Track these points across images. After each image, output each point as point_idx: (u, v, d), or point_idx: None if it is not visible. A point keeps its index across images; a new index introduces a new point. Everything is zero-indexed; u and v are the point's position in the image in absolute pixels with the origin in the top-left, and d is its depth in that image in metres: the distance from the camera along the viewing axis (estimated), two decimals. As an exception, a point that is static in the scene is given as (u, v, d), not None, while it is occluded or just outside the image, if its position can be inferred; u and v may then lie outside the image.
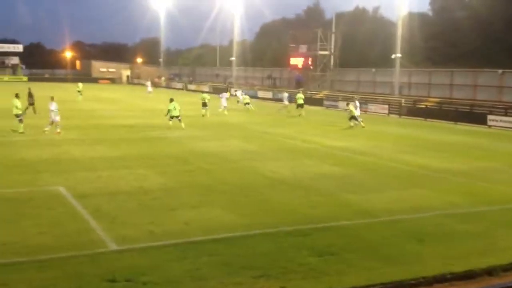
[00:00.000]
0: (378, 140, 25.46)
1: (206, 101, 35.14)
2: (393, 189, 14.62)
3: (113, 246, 9.09)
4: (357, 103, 32.75)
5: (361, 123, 30.48)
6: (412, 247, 9.55)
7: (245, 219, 11.05)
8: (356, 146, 22.94)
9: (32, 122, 26.43)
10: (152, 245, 9.23)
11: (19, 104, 24.09)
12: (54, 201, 12.10)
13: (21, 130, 23.28)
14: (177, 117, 27.01)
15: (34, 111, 31.77)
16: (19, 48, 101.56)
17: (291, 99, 42.26)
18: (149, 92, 60.68)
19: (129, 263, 8.32)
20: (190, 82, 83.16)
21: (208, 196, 12.99)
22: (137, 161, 17.68)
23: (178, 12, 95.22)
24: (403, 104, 43.28)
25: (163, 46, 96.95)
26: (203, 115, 34.23)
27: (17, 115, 23.70)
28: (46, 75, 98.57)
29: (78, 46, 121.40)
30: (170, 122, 26.96)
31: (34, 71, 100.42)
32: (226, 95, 40.85)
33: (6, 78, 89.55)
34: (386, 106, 43.79)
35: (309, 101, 41.36)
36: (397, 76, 47.61)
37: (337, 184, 14.88)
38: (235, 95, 47.05)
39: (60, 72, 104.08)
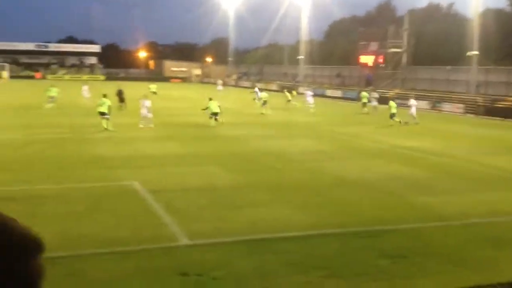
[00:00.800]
0: (453, 140, 24.54)
1: (264, 99, 35.78)
2: (468, 192, 14.04)
3: (184, 241, 9.36)
4: (413, 101, 31.98)
5: (397, 120, 29.69)
6: (487, 252, 9.14)
7: (313, 218, 11.01)
8: (428, 146, 22.22)
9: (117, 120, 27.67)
10: (221, 241, 9.41)
11: (107, 102, 25.05)
12: (128, 196, 12.61)
13: (109, 128, 24.29)
14: (216, 114, 27.45)
15: (122, 108, 33.21)
16: (96, 48, 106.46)
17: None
18: (219, 91, 61.66)
19: (200, 258, 8.53)
20: (258, 81, 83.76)
21: (276, 195, 13.06)
22: (207, 158, 18.06)
23: (246, 12, 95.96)
24: (480, 103, 41.41)
25: (232, 45, 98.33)
26: (262, 113, 34.51)
27: (102, 113, 24.63)
28: (121, 74, 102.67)
29: (151, 46, 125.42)
30: (212, 120, 27.39)
31: (110, 70, 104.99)
32: (310, 93, 41.49)
33: (85, 77, 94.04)
34: (462, 105, 42.08)
35: (379, 99, 40.46)
36: (474, 74, 45.61)
37: (408, 185, 14.48)
38: (255, 92, 45.06)
39: (134, 71, 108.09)
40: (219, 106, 27.80)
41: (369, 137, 24.94)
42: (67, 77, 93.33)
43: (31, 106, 35.64)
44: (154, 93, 46.70)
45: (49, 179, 14.04)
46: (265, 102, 35.81)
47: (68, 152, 18.50)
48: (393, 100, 32.43)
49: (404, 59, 61.67)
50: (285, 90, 47.02)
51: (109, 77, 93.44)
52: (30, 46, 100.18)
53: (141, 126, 25.72)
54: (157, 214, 11.05)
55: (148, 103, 26.23)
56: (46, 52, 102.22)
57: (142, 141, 21.66)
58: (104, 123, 24.38)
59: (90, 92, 39.99)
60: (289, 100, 41.57)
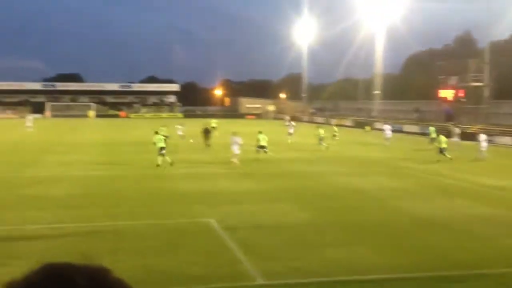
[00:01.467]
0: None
1: (322, 135, 35.67)
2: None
3: (260, 280, 9.35)
4: (483, 137, 30.90)
5: (448, 156, 28.77)
6: None
7: (394, 260, 10.65)
8: (515, 185, 20.97)
9: (198, 156, 28.59)
10: (297, 282, 9.32)
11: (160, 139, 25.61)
12: (205, 233, 12.84)
13: (168, 161, 25.01)
14: (263, 147, 28.47)
15: (207, 145, 34.23)
16: (175, 87, 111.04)
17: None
18: (287, 126, 61.33)
19: (276, 299, 8.48)
20: (333, 116, 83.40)
21: (354, 235, 12.79)
22: (282, 195, 18.08)
23: (320, 47, 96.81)
24: None
25: (305, 80, 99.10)
26: (326, 148, 34.33)
27: (162, 148, 25.15)
28: (198, 112, 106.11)
29: (226, 84, 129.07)
30: (260, 153, 28.40)
31: (188, 108, 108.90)
32: (389, 127, 41.18)
33: (164, 115, 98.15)
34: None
35: (461, 135, 38.98)
36: None
37: (495, 228, 13.68)
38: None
39: (210, 108, 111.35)
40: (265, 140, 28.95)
41: (449, 174, 23.94)
42: (148, 115, 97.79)
43: (116, 143, 37.48)
44: (214, 128, 47.14)
45: (131, 215, 14.62)
46: (321, 139, 35.67)
47: (149, 188, 19.20)
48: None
49: (486, 93, 59.26)
50: (365, 127, 47.08)
51: (187, 115, 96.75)
52: (115, 86, 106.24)
53: (234, 160, 26.47)
54: (233, 252, 11.15)
55: (238, 139, 27.18)
56: (129, 92, 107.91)
57: (218, 178, 22.08)
58: (159, 160, 24.81)
59: (182, 131, 40.97)
60: (334, 135, 40.86)
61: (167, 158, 25.07)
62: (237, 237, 12.30)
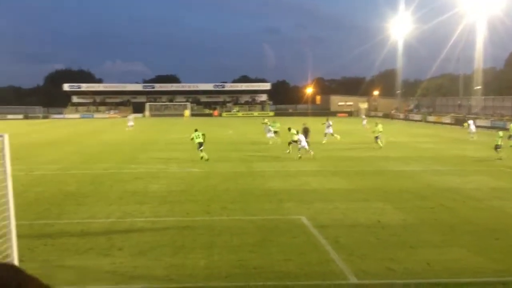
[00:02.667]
0: None
1: (379, 132, 34.08)
2: None
3: (353, 279, 9.20)
4: None
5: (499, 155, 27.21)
6: None
7: (496, 264, 10.02)
8: None
9: (287, 154, 28.81)
10: (392, 283, 9.04)
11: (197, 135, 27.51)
12: (297, 230, 12.84)
13: (205, 157, 26.79)
14: (296, 141, 28.71)
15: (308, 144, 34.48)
16: (267, 86, 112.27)
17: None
18: (363, 126, 59.00)
19: (369, 299, 8.29)
20: (430, 114, 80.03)
21: (451, 236, 12.19)
22: (373, 194, 17.65)
23: (416, 41, 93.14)
24: None
25: (400, 77, 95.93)
26: (380, 147, 33.08)
27: (201, 144, 27.23)
28: (290, 110, 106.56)
29: (318, 82, 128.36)
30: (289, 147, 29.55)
31: (279, 106, 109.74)
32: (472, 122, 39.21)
33: (255, 113, 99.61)
34: None
35: None
36: None
37: None
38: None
39: (301, 107, 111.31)
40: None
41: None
42: (239, 114, 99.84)
43: (209, 142, 38.57)
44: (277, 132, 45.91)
45: (224, 211, 14.99)
46: (378, 136, 33.99)
47: (241, 185, 19.57)
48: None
49: None
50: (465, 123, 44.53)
51: (278, 113, 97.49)
52: (209, 86, 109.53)
53: (307, 155, 27.85)
54: (325, 250, 11.05)
55: (302, 137, 28.56)
56: (222, 92, 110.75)
57: (308, 175, 22.00)
58: (201, 154, 26.85)
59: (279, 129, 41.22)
60: (375, 134, 37.73)
61: (204, 155, 26.83)
62: (328, 235, 12.18)
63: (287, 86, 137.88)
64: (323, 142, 36.31)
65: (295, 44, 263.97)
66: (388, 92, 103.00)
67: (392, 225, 13.27)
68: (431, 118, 75.95)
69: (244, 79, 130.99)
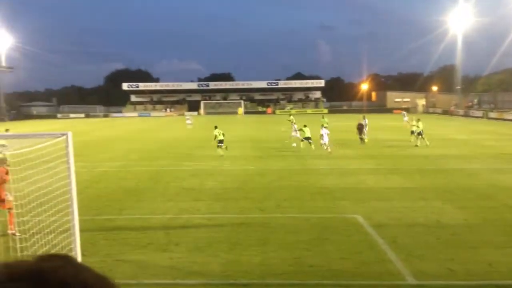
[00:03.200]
0: None
1: (416, 129, 32.76)
2: None
3: (411, 280, 8.98)
4: None
5: None
6: None
7: None
8: None
9: (343, 152, 28.57)
10: (452, 284, 8.76)
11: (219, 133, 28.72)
12: (352, 229, 12.66)
13: (222, 153, 27.80)
14: (308, 138, 29.92)
15: (362, 142, 34.01)
16: (321, 83, 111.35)
17: None
18: (405, 121, 56.66)
19: (428, 300, 8.07)
20: (491, 110, 76.89)
21: (515, 237, 11.67)
22: (432, 193, 17.15)
23: (478, 35, 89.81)
24: None
25: (460, 72, 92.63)
26: (416, 145, 31.89)
27: (221, 141, 28.42)
28: (344, 107, 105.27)
29: (373, 78, 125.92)
30: (303, 144, 30.42)
31: (333, 103, 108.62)
32: None
33: (309, 110, 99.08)
34: None
35: None
36: None
37: None
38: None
39: (356, 104, 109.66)
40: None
41: None
42: (293, 111, 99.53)
43: (263, 139, 38.78)
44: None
45: (278, 208, 14.99)
46: (419, 133, 32.42)
47: (295, 182, 19.52)
48: None
49: None
50: None
51: (332, 110, 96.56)
52: (262, 84, 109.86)
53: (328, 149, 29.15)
54: (381, 250, 10.84)
55: (326, 131, 30.23)
56: (276, 89, 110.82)
57: (364, 173, 21.63)
58: (220, 151, 27.94)
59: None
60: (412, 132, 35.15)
61: (220, 151, 27.99)
62: (385, 234, 11.94)
63: (341, 83, 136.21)
64: (366, 141, 35.07)
65: (350, 40, 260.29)
66: (447, 87, 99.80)
67: (452, 224, 12.85)
68: (492, 115, 72.90)
69: (298, 76, 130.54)
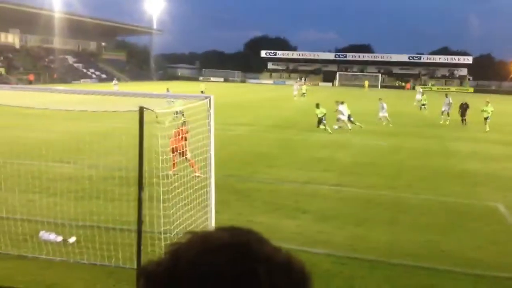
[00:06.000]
0: None
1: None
2: None
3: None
4: None
5: None
6: None
7: None
8: None
9: (485, 136, 26.68)
10: None
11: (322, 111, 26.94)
12: (491, 218, 11.80)
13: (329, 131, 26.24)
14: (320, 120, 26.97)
15: (463, 123, 31.87)
16: (468, 60, 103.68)
17: None
18: None
19: None
20: None
21: None
22: None
23: None
24: None
25: None
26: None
27: (320, 119, 26.89)
28: (493, 87, 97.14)
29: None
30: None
31: (480, 82, 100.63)
32: None
33: (453, 88, 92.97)
34: None
35: None
36: None
37: None
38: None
39: (507, 84, 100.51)
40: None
41: None
42: (434, 88, 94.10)
43: (397, 114, 37.27)
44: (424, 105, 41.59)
45: (410, 188, 14.43)
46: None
47: (431, 163, 18.61)
48: None
49: None
50: None
51: (478, 90, 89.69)
52: (403, 57, 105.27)
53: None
54: (524, 243, 9.98)
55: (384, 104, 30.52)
56: (417, 64, 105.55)
57: (509, 160, 19.92)
58: (329, 129, 26.43)
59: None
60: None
61: (321, 126, 26.76)
62: (530, 227, 10.96)
63: (491, 61, 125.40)
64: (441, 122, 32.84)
65: (507, 14, 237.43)
66: None
67: None
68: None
69: (443, 50, 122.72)
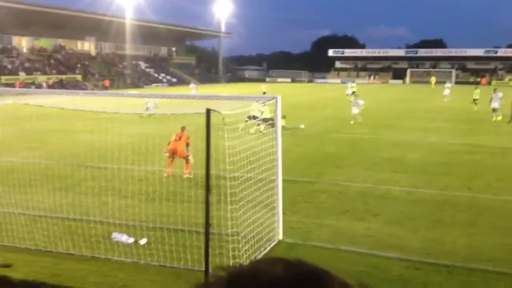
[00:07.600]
0: None
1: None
2: None
3: None
4: None
5: None
6: None
7: None
8: None
9: None
10: None
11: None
12: None
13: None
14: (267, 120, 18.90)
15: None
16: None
17: None
18: None
19: None
20: None
21: None
22: None
23: None
24: None
25: None
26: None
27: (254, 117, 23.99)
28: None
29: None
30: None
31: None
32: None
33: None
34: None
35: None
36: None
37: None
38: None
39: None
40: None
41: None
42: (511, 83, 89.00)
43: (472, 111, 35.57)
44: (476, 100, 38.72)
45: (489, 189, 13.66)
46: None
47: (510, 162, 17.57)
48: None
49: None
50: None
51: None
52: (479, 52, 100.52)
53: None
54: None
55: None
56: (494, 58, 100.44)
57: None
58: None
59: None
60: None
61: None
62: None
63: None
64: (493, 119, 29.88)
65: None
66: None
67: None
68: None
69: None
